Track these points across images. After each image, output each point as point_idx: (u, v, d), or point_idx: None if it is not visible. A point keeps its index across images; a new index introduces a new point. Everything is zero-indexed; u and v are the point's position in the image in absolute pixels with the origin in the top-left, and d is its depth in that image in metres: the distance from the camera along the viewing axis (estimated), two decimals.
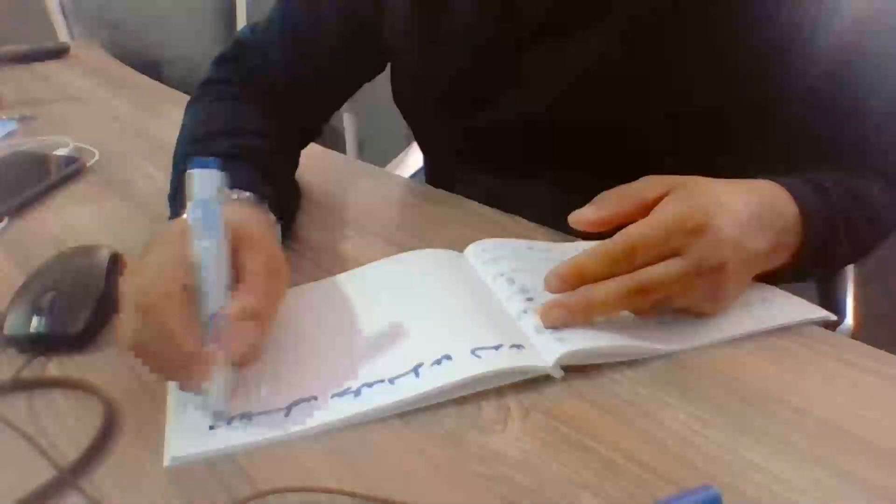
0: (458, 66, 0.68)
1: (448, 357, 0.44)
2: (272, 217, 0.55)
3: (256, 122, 0.68)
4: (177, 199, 0.58)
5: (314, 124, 0.77)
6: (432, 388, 0.42)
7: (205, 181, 0.42)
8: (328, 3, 0.72)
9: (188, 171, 0.42)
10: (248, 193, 0.54)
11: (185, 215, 0.43)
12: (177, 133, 0.69)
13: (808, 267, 0.54)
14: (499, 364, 0.43)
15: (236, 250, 0.45)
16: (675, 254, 0.46)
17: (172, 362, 0.41)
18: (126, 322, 0.41)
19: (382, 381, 0.44)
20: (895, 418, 0.41)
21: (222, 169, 0.43)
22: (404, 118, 0.77)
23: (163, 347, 0.40)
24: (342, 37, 0.72)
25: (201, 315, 0.41)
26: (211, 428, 0.41)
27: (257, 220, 0.50)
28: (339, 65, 0.74)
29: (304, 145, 0.76)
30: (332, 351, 0.47)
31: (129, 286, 0.42)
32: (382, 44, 0.72)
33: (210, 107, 0.72)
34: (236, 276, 0.44)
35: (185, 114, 0.73)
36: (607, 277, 0.46)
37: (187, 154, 0.63)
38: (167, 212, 0.59)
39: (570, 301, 0.46)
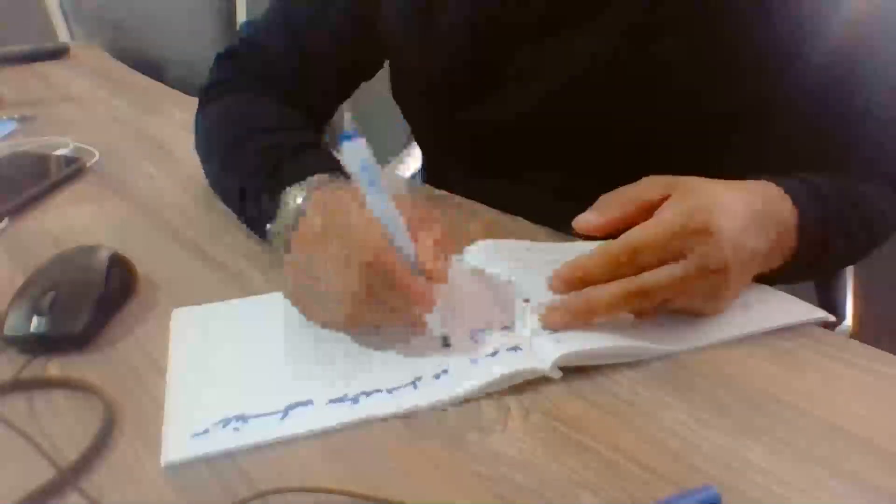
0: (454, 61, 0.68)
1: (446, 371, 0.45)
2: None
3: (291, 116, 0.69)
4: (253, 197, 0.59)
5: (317, 121, 0.77)
6: (431, 402, 0.42)
7: (362, 149, 0.43)
8: None
9: (343, 145, 0.43)
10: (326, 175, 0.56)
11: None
12: (177, 132, 0.69)
13: (804, 268, 0.54)
14: (496, 372, 0.43)
15: None
16: (677, 256, 0.46)
17: (404, 303, 0.46)
18: (352, 279, 0.45)
19: (381, 391, 0.44)
20: (895, 418, 0.41)
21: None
22: (403, 114, 0.77)
23: (393, 293, 0.45)
24: (341, 31, 0.72)
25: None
26: (206, 431, 0.41)
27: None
28: (339, 60, 0.74)
29: None
30: (331, 356, 0.47)
31: (337, 251, 0.46)
32: (381, 37, 0.72)
33: (239, 105, 0.72)
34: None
35: (206, 114, 0.73)
36: (609, 279, 0.46)
37: (256, 150, 0.64)
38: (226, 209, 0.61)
39: (572, 303, 0.46)
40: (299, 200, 0.53)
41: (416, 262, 0.46)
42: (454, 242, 0.50)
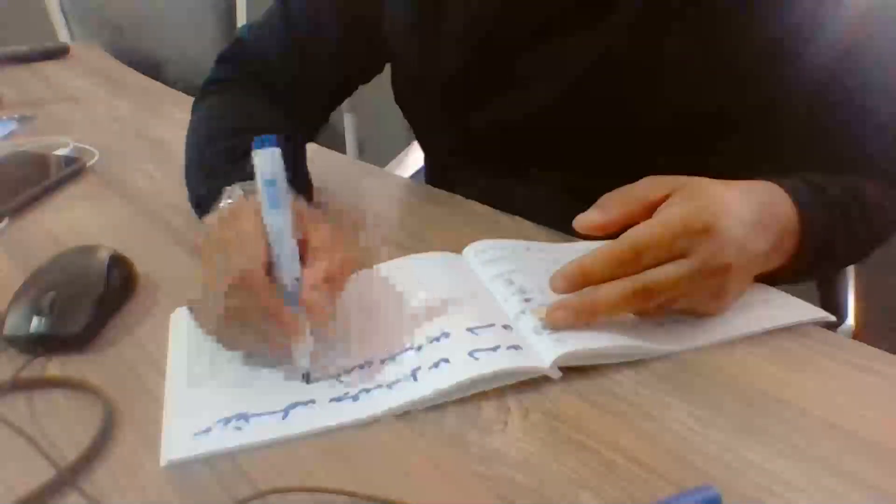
0: (459, 65, 0.68)
1: (446, 360, 0.44)
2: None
3: (271, 117, 0.69)
4: (209, 198, 0.57)
5: (312, 123, 0.77)
6: (431, 393, 0.42)
7: (269, 159, 0.43)
8: (328, 2, 0.72)
9: (253, 151, 0.42)
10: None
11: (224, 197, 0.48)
12: (177, 132, 0.68)
13: (806, 268, 0.54)
14: (496, 366, 0.43)
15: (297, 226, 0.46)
16: (680, 255, 0.45)
17: (268, 329, 0.43)
18: (220, 296, 0.43)
19: (381, 386, 0.44)
20: (895, 418, 0.41)
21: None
22: (406, 117, 0.77)
23: (259, 316, 0.43)
24: (341, 35, 0.72)
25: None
26: (207, 430, 0.41)
27: (303, 203, 0.50)
28: (337, 64, 0.74)
29: (305, 142, 0.76)
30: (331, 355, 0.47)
31: (215, 263, 0.44)
32: (381, 42, 0.72)
33: (222, 105, 0.72)
34: (302, 249, 0.46)
35: (194, 113, 0.73)
36: (611, 279, 0.46)
37: (218, 151, 0.63)
38: (192, 212, 0.60)
39: (574, 302, 0.46)
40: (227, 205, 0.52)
41: (299, 286, 0.44)
42: (349, 272, 0.47)
